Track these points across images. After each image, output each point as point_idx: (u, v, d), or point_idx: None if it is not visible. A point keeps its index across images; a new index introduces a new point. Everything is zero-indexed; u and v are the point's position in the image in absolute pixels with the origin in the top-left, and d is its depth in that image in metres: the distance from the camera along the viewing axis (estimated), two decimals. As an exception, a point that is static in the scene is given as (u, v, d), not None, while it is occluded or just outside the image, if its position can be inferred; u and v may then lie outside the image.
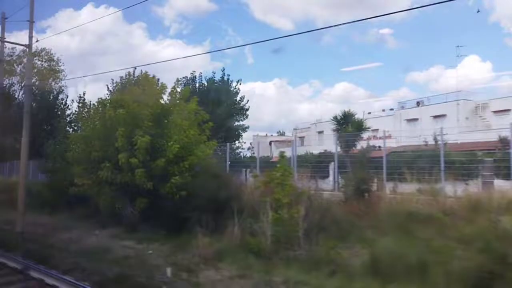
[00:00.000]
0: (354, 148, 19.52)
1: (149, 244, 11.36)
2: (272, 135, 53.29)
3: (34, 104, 25.84)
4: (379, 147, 22.88)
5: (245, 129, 30.77)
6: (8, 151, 25.04)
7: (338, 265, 8.58)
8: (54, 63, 35.06)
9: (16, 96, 32.96)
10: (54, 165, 18.06)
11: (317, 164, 19.44)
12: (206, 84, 27.93)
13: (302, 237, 9.55)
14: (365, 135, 21.17)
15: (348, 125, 21.37)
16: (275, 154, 33.90)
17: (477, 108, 30.96)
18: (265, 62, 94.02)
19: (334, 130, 21.07)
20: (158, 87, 14.36)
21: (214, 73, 28.75)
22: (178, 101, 14.00)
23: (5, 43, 15.68)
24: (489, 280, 6.52)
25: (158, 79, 15.39)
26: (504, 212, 8.21)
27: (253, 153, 34.73)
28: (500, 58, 70.17)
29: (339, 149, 20.43)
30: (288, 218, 9.85)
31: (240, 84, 28.41)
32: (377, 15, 23.90)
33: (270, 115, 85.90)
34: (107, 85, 27.20)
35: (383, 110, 37.61)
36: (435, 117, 30.68)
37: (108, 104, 13.37)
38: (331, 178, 19.33)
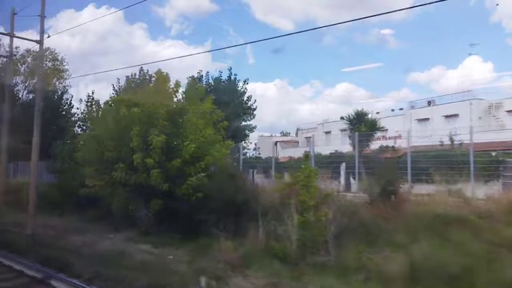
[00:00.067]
0: (367, 148, 19.11)
1: (166, 248, 10.93)
2: (275, 136, 52.79)
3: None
4: (393, 147, 22.54)
5: (252, 129, 30.42)
6: (12, 151, 24.61)
7: (370, 271, 8.16)
8: (58, 62, 34.51)
9: (20, 96, 32.45)
10: (62, 165, 17.63)
11: (327, 165, 19.02)
12: (213, 83, 27.49)
13: (330, 241, 9.13)
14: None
15: (361, 125, 21.02)
16: (281, 154, 33.56)
17: (490, 108, 30.58)
18: (266, 62, 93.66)
19: (346, 130, 20.72)
20: (172, 85, 13.91)
21: (221, 72, 28.33)
22: (193, 99, 13.54)
23: (16, 40, 15.17)
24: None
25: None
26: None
27: (259, 153, 34.39)
28: (501, 58, 69.64)
29: (352, 149, 20.10)
30: (315, 221, 9.42)
31: (247, 83, 27.97)
32: (377, 13, 23.36)
33: (271, 116, 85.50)
34: (113, 85, 26.90)
35: (393, 110, 37.16)
36: (447, 116, 30.27)
37: (122, 103, 12.88)
38: (342, 179, 18.92)
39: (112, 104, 14.02)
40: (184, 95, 14.34)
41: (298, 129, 56.86)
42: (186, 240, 11.52)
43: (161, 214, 12.57)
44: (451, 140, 18.89)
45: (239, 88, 28.06)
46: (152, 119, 12.37)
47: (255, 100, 28.30)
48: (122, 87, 26.74)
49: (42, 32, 13.31)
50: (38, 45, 13.74)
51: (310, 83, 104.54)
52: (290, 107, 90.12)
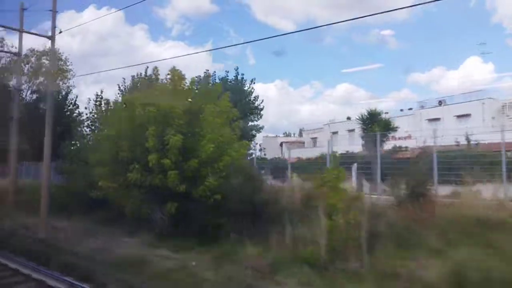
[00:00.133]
0: (382, 148, 18.69)
1: (185, 252, 10.46)
2: (279, 136, 52.40)
3: (43, 105, 25.03)
4: (406, 147, 22.12)
5: (259, 129, 29.96)
6: (17, 152, 24.12)
7: (407, 279, 7.72)
8: (62, 62, 33.98)
9: (24, 96, 31.93)
10: (71, 166, 17.15)
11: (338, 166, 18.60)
12: (219, 83, 27.06)
13: (361, 246, 8.69)
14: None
15: (374, 125, 20.57)
16: (287, 155, 33.13)
17: (504, 107, 30.12)
18: (266, 63, 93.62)
19: (354, 130, 20.25)
20: (187, 84, 13.46)
21: (227, 72, 27.91)
22: (210, 97, 13.09)
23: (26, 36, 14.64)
24: None
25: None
26: None
27: (265, 154, 33.98)
28: (502, 59, 69.28)
29: (362, 149, 19.68)
30: (344, 224, 8.97)
31: (254, 83, 27.54)
32: (378, 12, 23.10)
33: (271, 116, 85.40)
34: (118, 85, 26.43)
35: (401, 110, 36.70)
36: (458, 116, 29.87)
37: (136, 102, 12.41)
38: (353, 179, 18.51)
39: (125, 104, 13.55)
40: (198, 93, 13.87)
41: (301, 130, 56.51)
42: (204, 244, 11.07)
43: (176, 217, 12.11)
44: (468, 140, 18.48)
45: (245, 88, 27.66)
46: (168, 119, 11.91)
47: (262, 100, 27.86)
48: (128, 87, 26.30)
49: (53, 27, 12.81)
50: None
51: (310, 84, 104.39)
52: (291, 107, 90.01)
